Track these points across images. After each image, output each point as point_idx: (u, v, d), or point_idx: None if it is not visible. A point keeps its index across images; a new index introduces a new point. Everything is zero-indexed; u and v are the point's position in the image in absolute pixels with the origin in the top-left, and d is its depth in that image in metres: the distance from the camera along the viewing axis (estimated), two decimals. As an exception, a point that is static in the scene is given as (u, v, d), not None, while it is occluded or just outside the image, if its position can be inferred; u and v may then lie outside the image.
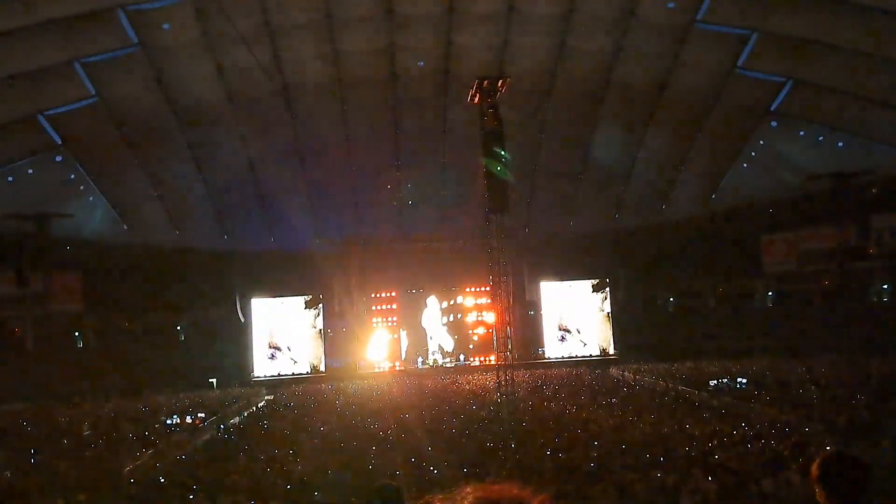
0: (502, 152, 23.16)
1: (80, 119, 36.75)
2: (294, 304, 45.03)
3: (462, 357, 45.11)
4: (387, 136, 43.85)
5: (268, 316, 44.60)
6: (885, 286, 40.98)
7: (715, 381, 31.63)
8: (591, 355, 44.66)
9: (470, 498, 2.00)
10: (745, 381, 31.52)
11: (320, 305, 45.13)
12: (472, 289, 46.12)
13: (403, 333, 46.38)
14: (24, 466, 23.17)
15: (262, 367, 43.97)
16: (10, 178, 37.00)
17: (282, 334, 44.33)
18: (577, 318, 45.73)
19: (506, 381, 21.06)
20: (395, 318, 46.73)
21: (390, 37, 37.13)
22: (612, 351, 44.65)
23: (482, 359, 43.58)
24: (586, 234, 47.13)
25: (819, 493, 2.92)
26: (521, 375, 34.50)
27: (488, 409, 26.11)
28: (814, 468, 2.98)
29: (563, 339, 45.69)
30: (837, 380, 29.55)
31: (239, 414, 32.06)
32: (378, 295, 47.00)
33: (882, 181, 37.01)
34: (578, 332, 45.62)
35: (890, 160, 36.28)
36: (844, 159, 37.03)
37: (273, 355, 44.01)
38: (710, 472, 16.96)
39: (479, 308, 46.01)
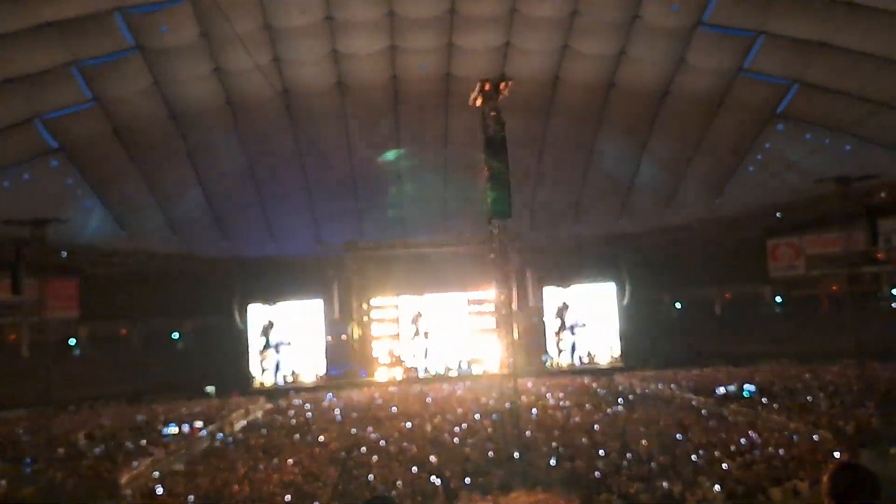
0: (505, 156, 22.84)
1: (77, 123, 36.41)
2: (296, 309, 44.86)
3: (465, 364, 44.72)
4: (388, 139, 43.56)
5: (267, 321, 44.45)
6: (894, 291, 40.68)
7: (722, 388, 31.31)
8: (596, 362, 44.33)
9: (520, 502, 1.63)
10: (752, 388, 31.19)
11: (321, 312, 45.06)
12: (476, 295, 45.72)
13: (405, 341, 45.99)
14: (19, 475, 22.98)
15: (261, 375, 43.78)
16: (6, 183, 36.70)
17: (282, 340, 44.23)
18: (581, 325, 45.40)
19: (510, 388, 20.71)
20: (396, 325, 46.34)
21: (391, 39, 36.88)
22: (617, 358, 44.31)
23: (486, 366, 43.18)
24: (590, 240, 46.83)
25: (829, 503, 2.93)
26: (526, 383, 34.20)
27: (492, 417, 25.80)
28: (824, 480, 2.99)
29: (568, 345, 45.36)
30: (846, 386, 29.26)
31: (235, 424, 31.79)
32: (379, 301, 46.60)
33: (889, 185, 36.74)
34: (582, 338, 45.29)
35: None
36: (851, 163, 36.68)
37: (280, 360, 43.91)
38: (716, 480, 16.66)
39: (482, 314, 45.63)
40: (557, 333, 45.49)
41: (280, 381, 43.49)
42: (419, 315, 46.16)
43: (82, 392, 38.41)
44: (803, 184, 38.90)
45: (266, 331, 44.34)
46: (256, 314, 44.53)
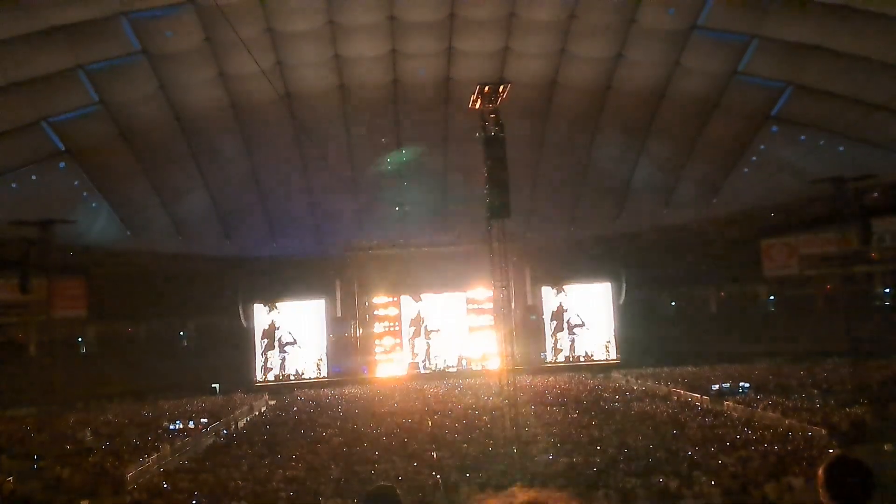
0: (503, 157, 23.19)
1: (83, 126, 36.85)
2: (298, 309, 45.41)
3: (465, 362, 45.13)
4: (388, 141, 43.96)
5: (271, 320, 44.97)
6: (887, 290, 41.04)
7: (717, 386, 31.72)
8: (593, 359, 44.69)
9: (518, 500, 1.97)
10: (747, 385, 31.62)
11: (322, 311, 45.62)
12: (475, 294, 46.14)
13: (406, 339, 46.42)
14: (26, 472, 23.31)
15: (265, 372, 44.29)
16: (13, 185, 37.12)
17: (286, 338, 44.76)
18: (579, 325, 45.80)
19: (508, 385, 21.09)
20: (397, 324, 46.76)
21: (392, 43, 37.26)
22: (614, 355, 44.68)
23: (485, 364, 43.58)
24: (588, 239, 47.14)
25: (823, 496, 2.96)
26: (524, 380, 34.55)
27: (491, 414, 26.15)
28: (819, 472, 3.00)
29: (568, 342, 45.76)
30: (839, 384, 29.62)
31: (239, 420, 32.10)
32: (380, 300, 47.03)
33: (882, 185, 37.03)
34: (580, 336, 45.69)
35: (890, 164, 36.31)
36: (845, 164, 37.01)
37: (283, 358, 44.44)
38: (712, 476, 17.02)
39: (481, 313, 46.01)
40: (555, 333, 45.91)
41: (283, 379, 43.95)
42: (419, 313, 46.59)
43: (89, 390, 38.80)
44: (797, 184, 39.27)
45: (270, 330, 44.83)
46: (260, 315, 45.07)
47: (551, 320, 46.17)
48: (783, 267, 43.96)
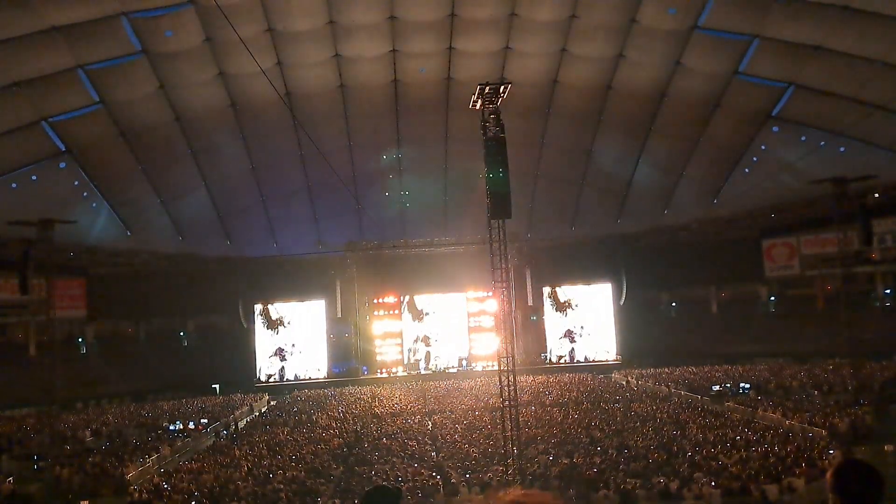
0: (504, 157, 23.15)
1: (83, 126, 36.86)
2: (299, 309, 45.47)
3: (465, 362, 45.08)
4: (389, 141, 43.93)
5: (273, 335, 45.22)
6: (887, 290, 40.99)
7: (718, 386, 31.71)
8: (594, 360, 44.66)
9: (507, 499, 1.95)
10: (747, 386, 31.60)
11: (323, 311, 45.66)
12: (475, 294, 46.10)
13: (406, 338, 46.36)
14: (26, 472, 23.32)
15: (265, 372, 44.32)
16: (13, 185, 37.10)
17: (287, 338, 44.86)
18: (579, 324, 45.79)
19: (508, 386, 21.03)
20: (397, 324, 46.71)
21: (392, 43, 37.25)
22: (614, 355, 44.64)
23: (485, 364, 43.54)
24: (588, 240, 47.11)
25: (832, 499, 2.90)
26: (525, 380, 34.51)
27: (491, 414, 26.14)
28: (829, 475, 2.95)
29: (568, 342, 45.73)
30: (840, 385, 29.61)
31: (239, 421, 32.07)
32: (381, 300, 46.99)
33: (883, 186, 36.98)
34: (581, 337, 45.68)
35: (890, 164, 36.26)
36: (846, 164, 36.92)
37: (283, 357, 44.53)
38: (713, 477, 17.01)
39: (481, 313, 45.98)
40: (563, 336, 45.94)
41: (283, 379, 43.95)
42: (420, 314, 46.54)
43: (88, 390, 38.84)
44: (798, 185, 39.20)
45: (271, 326, 44.95)
46: (261, 317, 45.19)
47: (551, 320, 46.21)
48: (784, 267, 43.99)
